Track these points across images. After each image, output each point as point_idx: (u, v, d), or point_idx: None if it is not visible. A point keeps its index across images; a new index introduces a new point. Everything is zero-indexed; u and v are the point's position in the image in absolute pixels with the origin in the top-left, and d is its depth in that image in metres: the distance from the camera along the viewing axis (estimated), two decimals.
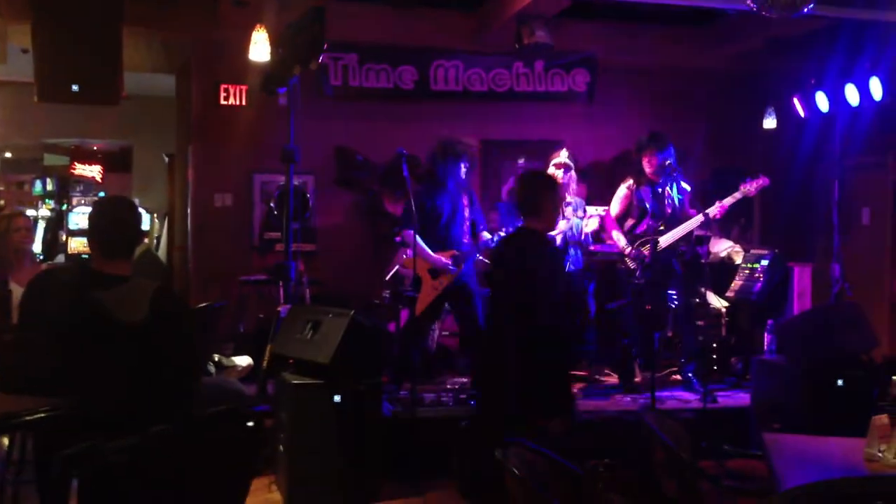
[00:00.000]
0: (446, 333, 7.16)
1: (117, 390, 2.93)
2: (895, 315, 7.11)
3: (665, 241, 6.23)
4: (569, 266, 6.42)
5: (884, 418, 3.11)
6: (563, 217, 6.38)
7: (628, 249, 6.34)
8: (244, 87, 7.67)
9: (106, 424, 2.55)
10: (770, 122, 7.84)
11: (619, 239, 6.44)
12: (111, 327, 2.97)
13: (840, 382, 5.28)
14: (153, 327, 3.01)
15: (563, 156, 6.45)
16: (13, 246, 5.06)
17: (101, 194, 10.43)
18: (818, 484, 1.45)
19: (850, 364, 5.40)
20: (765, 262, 7.01)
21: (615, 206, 6.53)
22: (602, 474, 1.36)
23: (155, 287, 3.17)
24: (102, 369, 2.96)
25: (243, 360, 5.43)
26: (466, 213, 6.28)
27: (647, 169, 6.37)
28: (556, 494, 1.94)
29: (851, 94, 6.86)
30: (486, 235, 6.23)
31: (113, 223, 3.21)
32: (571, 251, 6.48)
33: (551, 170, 6.47)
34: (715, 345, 7.01)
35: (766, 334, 6.83)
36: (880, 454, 3.07)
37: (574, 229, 6.55)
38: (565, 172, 6.41)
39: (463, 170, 6.19)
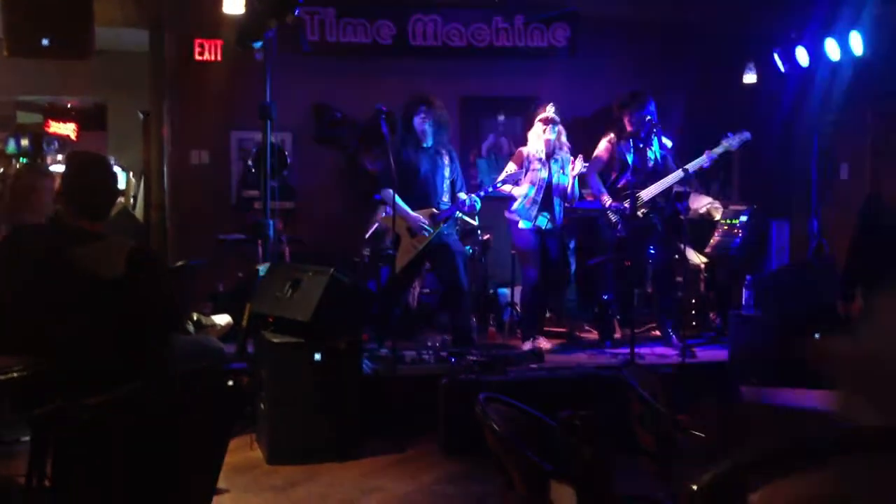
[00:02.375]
0: (427, 291, 7.17)
1: (92, 348, 2.90)
2: None
3: (646, 195, 6.24)
4: (547, 223, 6.36)
5: None
6: (544, 169, 6.31)
7: (608, 202, 6.34)
8: (219, 42, 7.53)
9: (81, 383, 2.53)
10: (750, 77, 7.81)
11: (600, 193, 6.43)
12: (87, 283, 2.94)
13: (817, 336, 5.33)
14: (130, 283, 2.98)
15: (549, 110, 6.38)
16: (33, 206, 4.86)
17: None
18: (796, 436, 1.45)
19: (827, 318, 5.46)
20: (743, 218, 7.04)
21: (596, 161, 6.51)
22: (576, 426, 1.36)
23: (131, 244, 3.14)
24: (78, 326, 2.93)
25: (222, 319, 5.41)
26: (446, 171, 6.24)
27: (629, 125, 6.36)
28: (533, 448, 1.95)
29: (832, 49, 6.84)
30: (463, 196, 6.18)
31: (89, 185, 3.15)
32: (556, 206, 6.39)
33: (537, 125, 6.40)
34: (693, 300, 7.06)
35: (744, 289, 6.88)
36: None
37: (560, 184, 6.43)
38: (552, 127, 6.33)
39: (420, 121, 6.08)
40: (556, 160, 6.36)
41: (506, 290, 7.22)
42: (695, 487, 1.37)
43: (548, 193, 6.33)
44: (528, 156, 6.36)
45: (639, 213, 6.14)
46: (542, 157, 6.34)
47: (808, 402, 3.51)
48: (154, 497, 2.13)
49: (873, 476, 1.47)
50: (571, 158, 6.42)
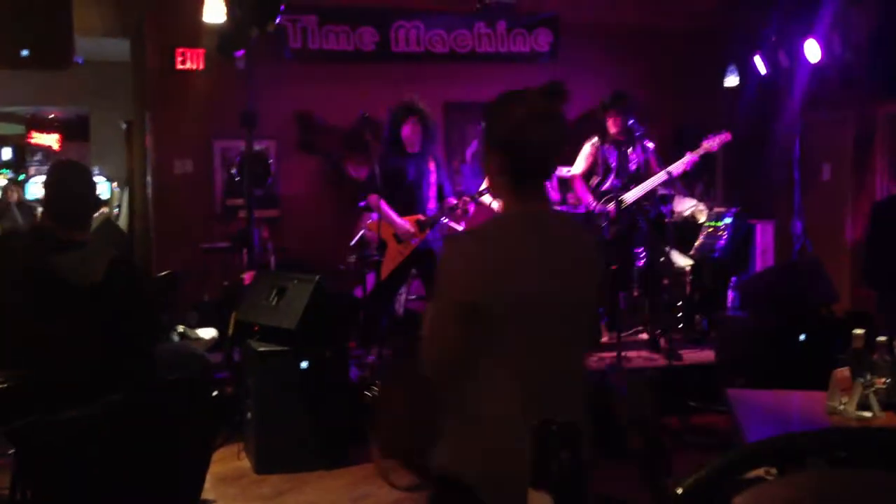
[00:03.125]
0: (413, 297, 7.15)
1: (72, 357, 2.88)
2: (855, 270, 7.21)
3: (629, 197, 6.26)
4: None
5: (845, 371, 3.15)
6: None
7: (594, 205, 6.35)
8: (201, 51, 7.50)
9: (62, 394, 2.51)
10: (732, 80, 7.85)
11: (584, 196, 6.44)
12: (66, 290, 2.92)
13: (802, 337, 5.36)
14: (109, 291, 2.96)
15: None
16: None
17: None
18: (781, 437, 1.45)
19: (812, 319, 5.48)
20: (727, 220, 7.07)
21: (580, 164, 6.53)
22: (552, 432, 1.35)
23: (112, 253, 3.13)
24: (57, 335, 2.91)
25: (208, 333, 5.38)
26: (433, 177, 6.23)
27: (612, 129, 6.37)
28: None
29: (812, 51, 6.88)
30: (453, 202, 6.17)
31: (68, 194, 3.15)
32: None
33: None
34: (679, 303, 7.07)
35: (729, 291, 6.91)
36: (842, 406, 3.12)
37: None
38: None
39: (409, 131, 6.05)
40: None
41: None
42: (679, 490, 1.37)
43: None
44: None
45: (621, 220, 6.15)
46: None
47: (793, 403, 3.52)
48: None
49: (858, 477, 1.47)
50: None
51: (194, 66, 7.54)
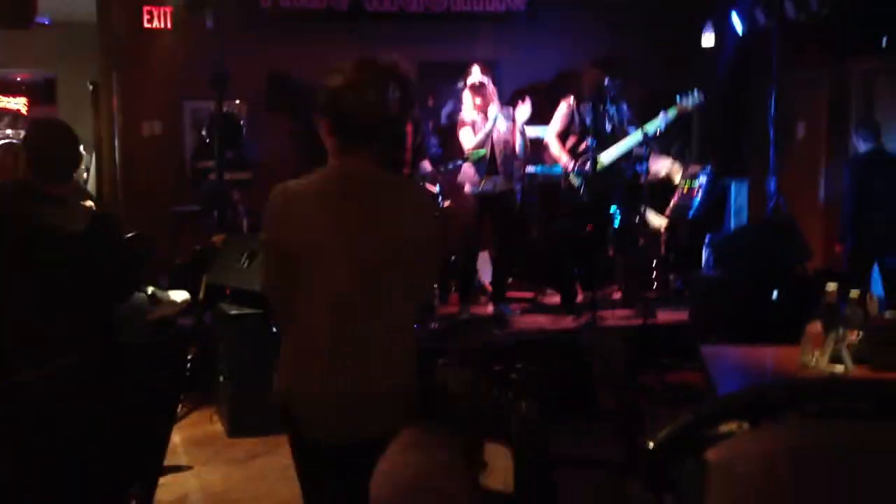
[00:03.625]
0: None
1: (37, 312, 2.81)
2: (828, 227, 7.24)
3: (606, 157, 6.21)
4: (493, 185, 6.18)
5: (817, 325, 3.15)
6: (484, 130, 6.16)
7: (571, 165, 6.30)
8: (168, 9, 7.34)
9: (22, 351, 2.44)
10: (708, 39, 7.78)
11: (560, 156, 6.38)
12: (47, 239, 2.88)
13: (775, 295, 5.38)
14: (90, 241, 2.93)
15: (474, 74, 6.18)
16: None
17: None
18: (752, 389, 1.43)
19: (785, 276, 5.50)
20: (702, 179, 7.06)
21: (556, 124, 6.46)
22: (512, 381, 1.32)
23: (95, 208, 3.13)
24: (25, 289, 2.84)
25: (179, 296, 5.30)
26: (408, 139, 6.15)
27: (589, 87, 6.29)
28: (484, 408, 1.91)
29: (788, 8, 6.83)
30: (427, 167, 6.10)
31: (50, 148, 3.14)
32: (505, 166, 6.23)
33: (466, 92, 6.23)
34: (654, 262, 7.08)
35: (704, 250, 6.91)
36: (814, 361, 3.12)
37: (501, 145, 6.25)
38: (481, 90, 6.15)
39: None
40: (497, 116, 6.15)
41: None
42: (651, 445, 1.34)
43: (492, 155, 6.15)
44: (471, 121, 6.22)
45: (598, 180, 6.10)
46: (480, 119, 6.18)
47: (766, 358, 3.53)
48: (99, 472, 2.06)
49: (831, 428, 1.45)
50: (512, 110, 6.21)
51: (162, 25, 7.38)
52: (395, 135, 5.88)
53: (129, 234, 4.84)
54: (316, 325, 2.30)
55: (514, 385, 1.28)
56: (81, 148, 3.37)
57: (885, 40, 6.17)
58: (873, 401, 1.49)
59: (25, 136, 3.39)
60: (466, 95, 6.22)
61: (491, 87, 6.19)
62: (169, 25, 7.40)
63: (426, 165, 6.10)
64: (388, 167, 2.57)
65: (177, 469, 4.38)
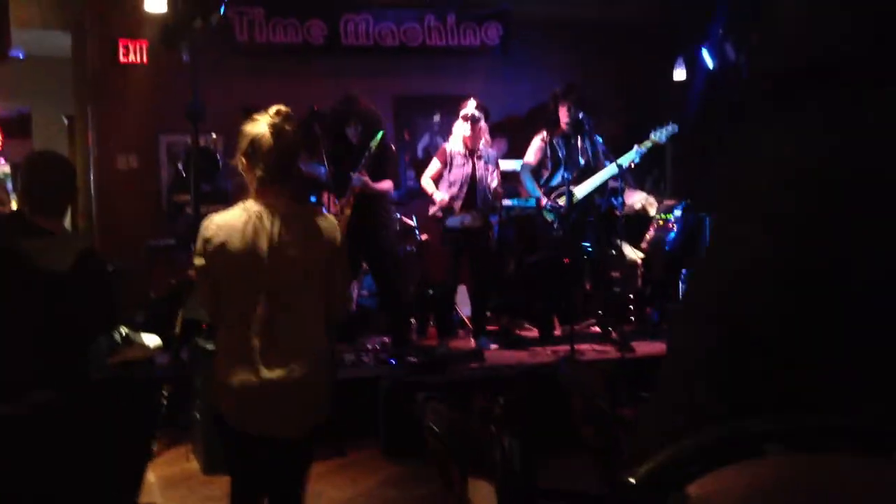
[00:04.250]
0: (365, 293, 7.08)
1: (11, 350, 2.76)
2: None
3: (580, 191, 6.26)
4: (468, 221, 6.26)
5: None
6: (468, 165, 6.25)
7: (544, 201, 6.34)
8: (144, 43, 7.35)
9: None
10: (680, 74, 7.92)
11: (534, 190, 6.43)
12: (32, 275, 2.83)
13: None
14: (75, 280, 2.89)
15: (469, 107, 6.31)
16: None
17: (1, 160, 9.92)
18: (733, 425, 1.42)
19: None
20: (678, 213, 7.12)
21: (530, 158, 6.51)
22: (495, 414, 1.31)
23: (83, 244, 3.09)
24: (9, 324, 2.79)
25: (152, 341, 5.22)
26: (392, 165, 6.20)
27: (563, 119, 6.35)
28: (466, 443, 1.90)
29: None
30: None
31: (45, 181, 3.08)
32: (482, 203, 6.33)
33: (459, 122, 6.36)
34: (631, 296, 7.11)
35: (680, 283, 6.95)
36: None
37: (483, 183, 6.35)
38: (473, 125, 6.26)
39: (351, 132, 6.04)
40: (480, 157, 6.31)
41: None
42: (632, 480, 1.34)
43: (472, 189, 6.27)
44: (450, 153, 6.33)
45: (572, 215, 6.15)
46: (465, 152, 6.30)
47: None
48: None
49: (814, 464, 1.45)
50: (495, 155, 6.39)
51: (138, 59, 7.38)
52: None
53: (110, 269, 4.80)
54: (239, 332, 2.73)
55: (498, 419, 1.28)
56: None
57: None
58: (853, 435, 1.50)
59: (22, 168, 3.35)
60: (458, 125, 6.31)
61: (483, 125, 6.28)
62: (145, 60, 7.40)
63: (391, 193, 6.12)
64: (301, 200, 3.00)
65: None
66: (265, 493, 2.90)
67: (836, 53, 1.22)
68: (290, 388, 2.72)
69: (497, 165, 6.41)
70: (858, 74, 1.18)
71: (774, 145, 1.33)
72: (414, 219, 6.97)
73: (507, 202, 6.81)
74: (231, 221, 2.74)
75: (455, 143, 6.35)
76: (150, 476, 4.70)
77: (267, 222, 2.74)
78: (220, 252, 2.71)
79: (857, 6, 1.20)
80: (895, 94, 1.18)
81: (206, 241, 2.73)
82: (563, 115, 6.34)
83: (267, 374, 2.70)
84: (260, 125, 2.76)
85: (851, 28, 1.19)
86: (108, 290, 3.16)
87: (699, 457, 1.46)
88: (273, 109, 2.82)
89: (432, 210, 6.39)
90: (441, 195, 6.25)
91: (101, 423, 2.09)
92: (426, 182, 6.36)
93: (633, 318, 7.07)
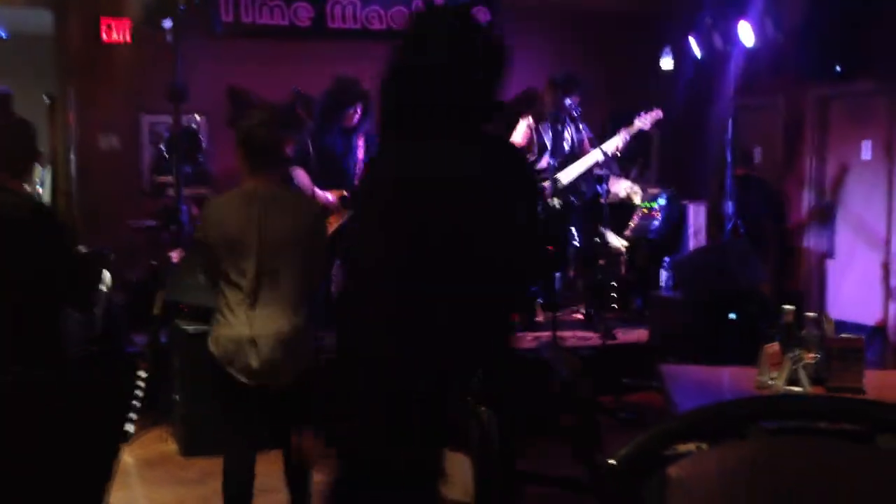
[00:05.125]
0: None
1: None
2: (783, 249, 7.33)
3: (565, 177, 6.24)
4: None
5: (775, 346, 3.18)
6: None
7: None
8: (127, 22, 7.25)
9: None
10: (667, 63, 7.88)
11: None
12: None
13: (732, 316, 5.43)
14: (33, 231, 3.01)
15: None
16: None
17: None
18: (713, 406, 1.42)
19: (742, 298, 5.56)
20: (662, 201, 7.12)
21: (516, 141, 6.48)
22: (472, 390, 1.29)
23: (37, 200, 3.18)
24: None
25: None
26: (360, 153, 6.15)
27: (551, 106, 6.33)
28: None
29: (745, 34, 6.95)
30: None
31: (7, 141, 3.23)
32: None
33: None
34: (614, 283, 7.12)
35: (662, 271, 6.97)
36: (771, 381, 3.15)
37: None
38: None
39: (355, 115, 6.02)
40: None
41: None
42: (611, 462, 1.33)
43: None
44: None
45: (556, 201, 6.13)
46: None
47: (724, 378, 3.55)
48: (42, 493, 1.98)
49: (790, 446, 1.44)
50: None
51: (120, 38, 7.28)
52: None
53: (86, 251, 4.73)
54: (233, 294, 3.23)
55: (475, 392, 1.26)
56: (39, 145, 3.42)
57: (838, 68, 6.30)
58: (832, 419, 1.49)
59: None
60: None
61: None
62: (128, 39, 7.31)
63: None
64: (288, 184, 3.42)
65: (127, 489, 4.28)
66: (257, 444, 3.34)
67: (407, 109, 2.05)
68: (276, 340, 3.20)
69: None
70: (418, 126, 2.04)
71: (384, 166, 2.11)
72: None
73: None
74: (227, 202, 3.30)
75: None
76: (128, 458, 4.67)
77: (256, 203, 3.23)
78: (216, 227, 3.24)
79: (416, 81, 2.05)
80: (435, 143, 2.00)
81: (205, 217, 3.34)
82: (553, 103, 6.32)
83: (256, 329, 3.18)
84: (251, 119, 3.33)
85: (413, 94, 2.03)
86: (68, 245, 3.30)
87: (679, 439, 1.45)
88: (265, 106, 3.43)
89: None
90: None
91: (73, 401, 2.05)
92: None
93: (615, 306, 7.08)
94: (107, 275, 5.07)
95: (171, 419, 5.02)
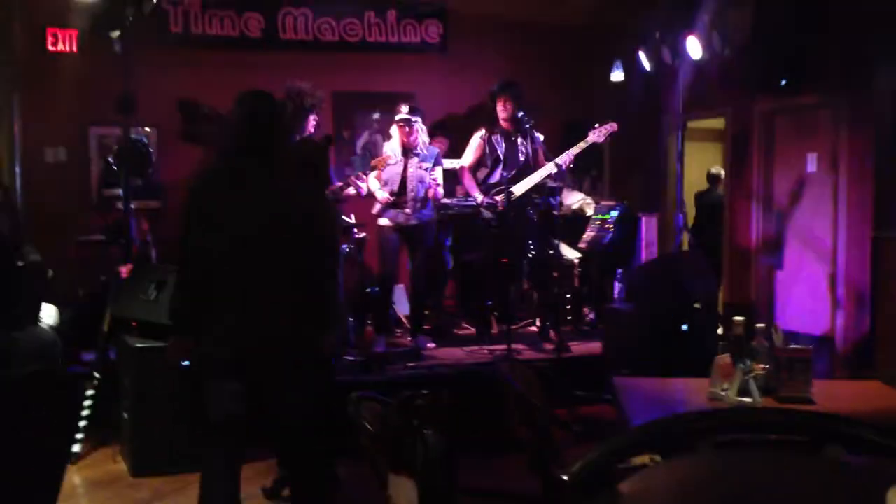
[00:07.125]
0: None
1: None
2: (732, 261, 7.44)
3: (518, 189, 6.26)
4: (410, 219, 6.19)
5: (726, 358, 3.22)
6: (400, 164, 6.19)
7: (481, 198, 6.33)
8: (73, 32, 7.12)
9: None
10: (617, 76, 7.98)
11: (472, 188, 6.42)
12: None
13: (684, 327, 5.49)
14: None
15: (402, 112, 6.23)
16: None
17: None
18: (666, 419, 1.42)
19: (694, 309, 5.62)
20: (614, 214, 7.18)
21: (468, 156, 6.49)
22: (417, 407, 1.28)
23: None
24: None
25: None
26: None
27: (502, 115, 6.35)
28: (391, 434, 1.86)
29: (693, 48, 7.06)
30: (338, 184, 6.05)
31: None
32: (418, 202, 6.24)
33: (394, 127, 6.29)
34: (568, 295, 7.15)
35: (615, 283, 7.02)
36: (723, 392, 3.18)
37: (415, 181, 6.25)
38: (409, 128, 6.18)
39: (312, 123, 6.02)
40: (417, 154, 6.21)
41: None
42: (565, 477, 1.32)
43: (402, 187, 6.16)
44: (385, 154, 6.24)
45: (511, 213, 6.15)
46: (399, 154, 6.22)
47: (677, 389, 3.58)
48: None
49: (745, 458, 1.45)
50: (436, 153, 6.32)
51: (67, 48, 7.15)
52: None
53: (20, 263, 4.63)
54: (228, 283, 3.29)
55: (420, 412, 1.25)
56: None
57: (783, 81, 6.42)
58: (780, 431, 1.51)
59: None
60: (394, 129, 6.27)
61: (418, 125, 6.20)
62: (74, 48, 7.18)
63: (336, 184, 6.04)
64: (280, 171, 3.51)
65: None
66: (242, 457, 3.41)
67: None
68: (271, 326, 3.28)
69: (439, 163, 6.33)
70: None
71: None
72: (352, 217, 6.90)
73: (445, 201, 6.78)
74: (216, 185, 3.42)
75: (393, 143, 6.29)
76: (76, 478, 4.56)
77: (244, 188, 3.35)
78: (205, 213, 3.35)
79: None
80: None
81: (191, 200, 3.40)
82: (502, 111, 6.34)
83: (252, 314, 3.25)
84: (243, 104, 3.56)
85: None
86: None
87: (631, 453, 1.46)
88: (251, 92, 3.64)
89: (375, 209, 6.31)
90: (383, 194, 6.17)
91: (12, 420, 1.99)
92: (371, 182, 6.24)
93: (569, 318, 7.11)
94: (52, 309, 4.94)
95: (121, 438, 4.91)
